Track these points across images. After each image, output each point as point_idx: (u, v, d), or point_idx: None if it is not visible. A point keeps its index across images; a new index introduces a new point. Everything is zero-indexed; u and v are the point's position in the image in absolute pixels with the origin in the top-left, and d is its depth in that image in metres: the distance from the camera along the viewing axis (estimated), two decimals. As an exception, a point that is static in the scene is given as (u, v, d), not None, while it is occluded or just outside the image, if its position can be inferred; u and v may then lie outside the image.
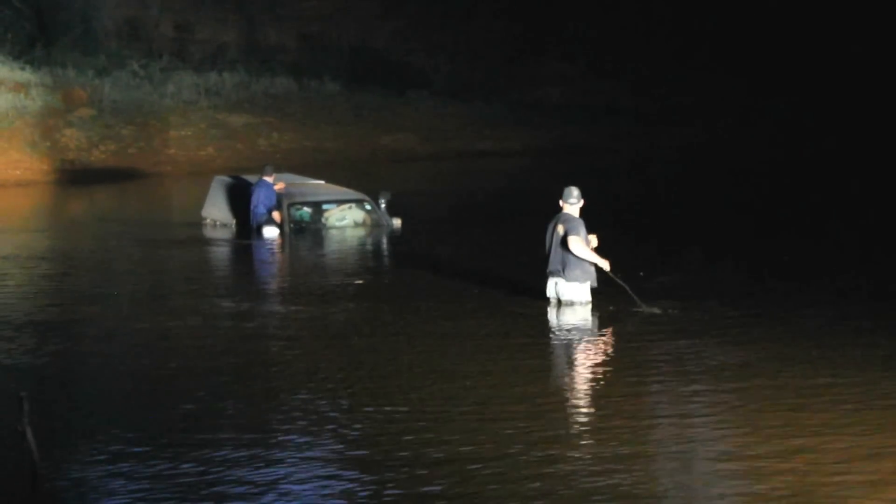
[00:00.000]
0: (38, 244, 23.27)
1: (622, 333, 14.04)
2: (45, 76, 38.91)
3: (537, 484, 8.92)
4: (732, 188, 29.81)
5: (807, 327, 14.00)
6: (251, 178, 23.74)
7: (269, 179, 22.62)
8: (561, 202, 14.98)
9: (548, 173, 33.04)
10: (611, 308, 14.84)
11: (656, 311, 14.71)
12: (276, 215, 22.27)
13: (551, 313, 14.83)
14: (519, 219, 23.74)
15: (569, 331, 14.30)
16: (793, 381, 11.62)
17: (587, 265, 14.78)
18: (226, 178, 24.93)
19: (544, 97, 47.73)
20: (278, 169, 23.58)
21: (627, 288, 14.84)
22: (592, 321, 14.54)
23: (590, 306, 14.85)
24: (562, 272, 14.87)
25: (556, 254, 14.83)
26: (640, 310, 14.69)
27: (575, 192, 14.99)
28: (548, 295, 15.06)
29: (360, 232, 22.74)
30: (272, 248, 21.58)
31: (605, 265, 14.82)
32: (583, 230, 14.71)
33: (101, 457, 9.72)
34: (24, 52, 39.81)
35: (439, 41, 48.86)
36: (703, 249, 20.05)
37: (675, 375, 11.95)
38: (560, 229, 14.77)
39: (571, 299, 14.89)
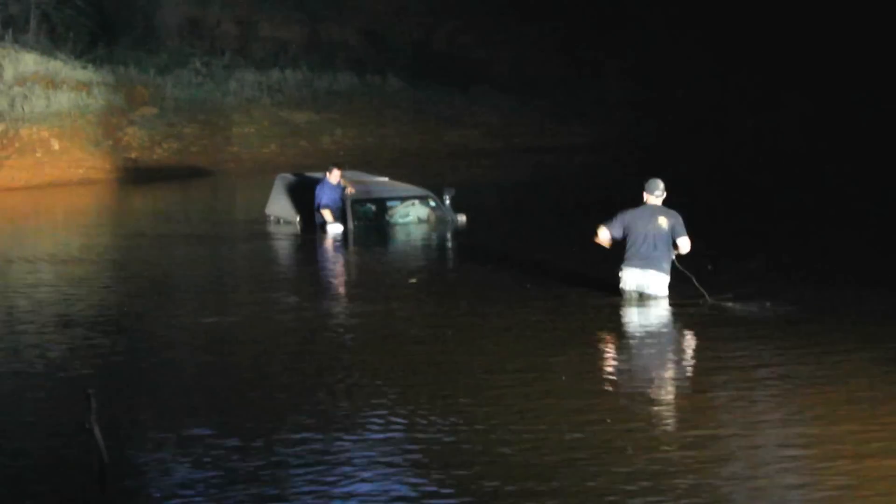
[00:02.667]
0: (102, 242, 23.31)
1: (702, 326, 13.76)
2: (108, 75, 38.95)
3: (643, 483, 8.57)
4: (797, 180, 29.37)
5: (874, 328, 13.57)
6: (317, 175, 23.61)
7: (332, 179, 22.42)
8: (646, 194, 14.76)
9: (612, 168, 32.82)
10: (683, 300, 14.61)
11: (729, 304, 14.54)
12: (326, 213, 22.07)
13: (631, 306, 14.60)
14: (584, 213, 23.52)
15: (652, 324, 14.10)
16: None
17: (671, 259, 14.68)
18: (289, 176, 24.82)
19: (608, 91, 47.37)
20: (341, 166, 23.35)
21: (694, 279, 14.63)
22: (673, 313, 14.37)
23: (668, 299, 14.67)
24: (651, 264, 14.64)
25: (649, 245, 14.61)
26: (707, 301, 14.51)
27: (661, 184, 14.83)
28: (625, 287, 14.78)
29: (425, 228, 22.55)
30: (336, 246, 21.41)
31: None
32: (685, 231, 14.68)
33: (168, 451, 9.65)
34: (87, 51, 39.89)
35: (502, 36, 48.61)
36: (773, 243, 19.76)
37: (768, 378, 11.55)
38: (663, 223, 14.59)
39: (656, 292, 14.70)
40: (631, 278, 14.74)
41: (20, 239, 24.22)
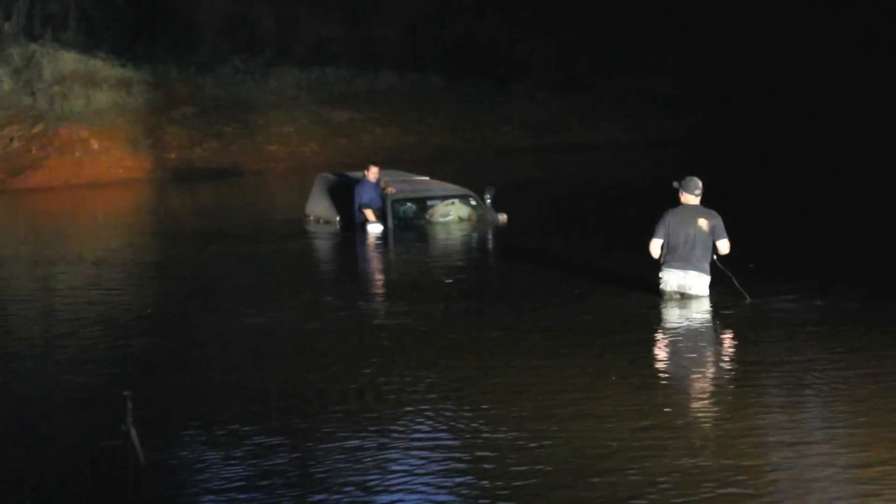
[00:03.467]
0: (141, 242, 23.36)
1: (746, 326, 13.54)
2: (147, 73, 38.97)
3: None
4: (845, 178, 29.09)
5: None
6: (357, 174, 23.51)
7: (370, 176, 22.31)
8: (684, 193, 14.54)
9: (653, 165, 32.61)
10: (724, 299, 14.45)
11: (774, 303, 14.43)
12: (367, 212, 21.95)
13: (672, 307, 14.40)
14: (626, 212, 23.42)
15: (696, 324, 13.91)
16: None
17: (711, 259, 14.52)
18: (329, 175, 24.74)
19: (651, 88, 47.12)
20: (378, 164, 23.24)
21: (734, 280, 14.47)
22: (715, 313, 14.17)
23: (709, 299, 14.50)
24: (692, 265, 14.47)
25: (691, 246, 14.45)
26: (748, 301, 14.35)
27: (699, 183, 14.63)
28: (665, 288, 14.63)
29: (465, 227, 22.40)
30: (376, 245, 21.30)
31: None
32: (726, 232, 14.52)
33: (205, 451, 9.61)
34: (126, 50, 39.91)
35: (543, 32, 48.39)
36: (813, 240, 19.65)
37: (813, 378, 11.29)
38: (703, 224, 14.42)
39: (697, 293, 14.53)
40: (672, 279, 14.56)
41: (60, 239, 24.23)
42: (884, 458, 8.96)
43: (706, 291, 14.53)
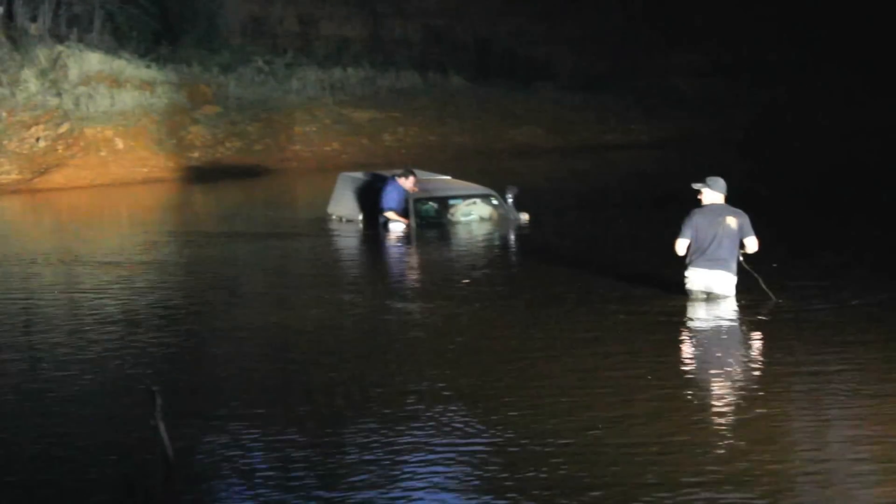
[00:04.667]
0: (166, 240, 23.43)
1: (774, 327, 13.62)
2: (171, 74, 39.12)
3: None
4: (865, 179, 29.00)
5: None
6: (380, 173, 23.62)
7: (403, 183, 22.30)
8: (708, 190, 14.56)
9: (675, 164, 32.61)
10: (751, 299, 14.52)
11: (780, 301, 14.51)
12: (391, 215, 22.03)
13: (699, 307, 14.46)
14: (648, 211, 23.45)
15: (724, 324, 13.99)
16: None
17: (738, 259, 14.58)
18: (352, 174, 24.82)
19: (672, 88, 47.08)
20: (404, 164, 23.34)
21: (760, 280, 14.53)
22: (744, 313, 14.23)
23: (735, 298, 14.55)
24: (719, 265, 14.49)
25: (717, 246, 14.46)
26: (773, 301, 14.41)
27: (722, 181, 14.69)
28: (692, 287, 14.63)
29: (487, 227, 22.46)
30: (398, 244, 21.40)
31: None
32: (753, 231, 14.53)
33: (232, 446, 9.72)
34: (150, 50, 40.09)
35: (564, 33, 48.41)
36: (836, 241, 19.59)
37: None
38: (732, 222, 14.45)
39: (724, 292, 14.56)
40: (699, 279, 14.57)
41: (86, 238, 24.37)
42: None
43: (732, 291, 14.55)
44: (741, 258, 14.56)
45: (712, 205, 14.61)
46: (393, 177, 22.66)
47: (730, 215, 14.50)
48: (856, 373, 11.50)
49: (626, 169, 35.43)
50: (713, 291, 14.54)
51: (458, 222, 22.61)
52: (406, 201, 22.30)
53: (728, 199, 14.72)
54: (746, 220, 14.50)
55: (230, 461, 9.43)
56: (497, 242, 21.88)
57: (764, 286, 14.50)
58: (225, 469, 9.28)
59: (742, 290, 14.60)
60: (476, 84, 45.25)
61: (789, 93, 45.63)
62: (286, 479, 8.99)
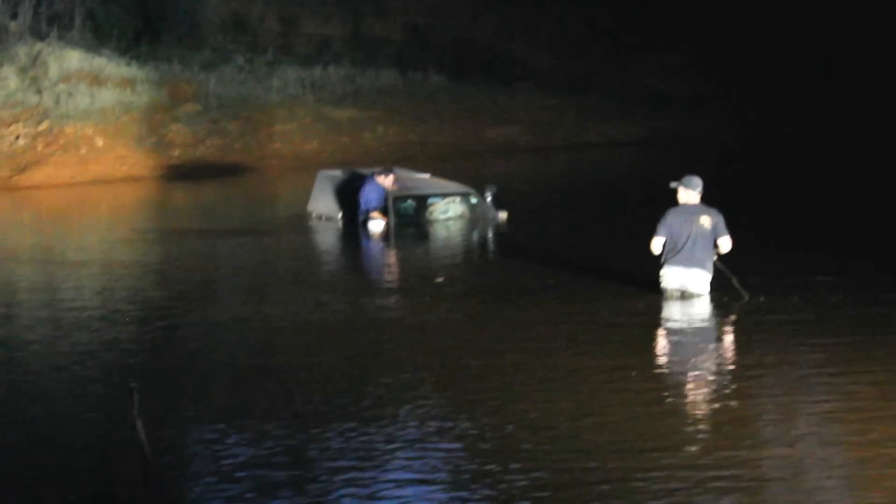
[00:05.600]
0: (146, 238, 23.39)
1: (749, 324, 13.84)
2: (151, 72, 39.08)
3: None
4: (833, 178, 29.19)
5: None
6: (360, 171, 23.73)
7: (381, 181, 22.44)
8: (684, 189, 14.70)
9: (653, 164, 32.74)
10: (724, 298, 14.64)
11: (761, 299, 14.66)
12: (375, 215, 22.15)
13: (674, 305, 14.59)
14: (626, 210, 23.58)
15: (698, 322, 14.15)
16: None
17: (714, 257, 14.68)
18: (331, 172, 24.90)
19: (649, 88, 47.24)
20: (383, 163, 23.47)
21: (734, 280, 14.68)
22: (719, 311, 14.40)
23: (709, 297, 14.68)
24: (694, 263, 14.65)
25: (691, 245, 14.60)
26: (745, 299, 14.56)
27: (698, 180, 14.84)
28: (667, 286, 14.79)
29: (466, 225, 22.55)
30: (377, 242, 21.48)
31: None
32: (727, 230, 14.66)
33: (211, 446, 9.76)
34: (130, 48, 40.04)
35: (543, 32, 48.53)
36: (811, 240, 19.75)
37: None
38: (705, 221, 14.60)
39: (699, 290, 14.71)
40: (674, 277, 14.72)
41: (65, 236, 24.42)
42: (884, 460, 9.14)
43: (707, 290, 14.68)
44: (716, 258, 14.69)
45: (687, 204, 14.74)
46: (372, 175, 22.77)
47: (704, 214, 14.61)
48: (826, 370, 11.68)
49: (604, 168, 35.54)
50: (688, 290, 14.68)
51: (436, 220, 22.73)
52: (385, 199, 22.39)
53: (704, 198, 14.83)
54: (721, 219, 14.61)
55: (208, 458, 9.48)
56: (475, 241, 21.97)
57: (737, 285, 14.62)
58: (203, 466, 9.34)
59: (718, 289, 14.70)
60: (456, 83, 45.33)
61: (768, 92, 45.82)
62: (264, 476, 9.06)
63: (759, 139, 40.78)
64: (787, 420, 10.21)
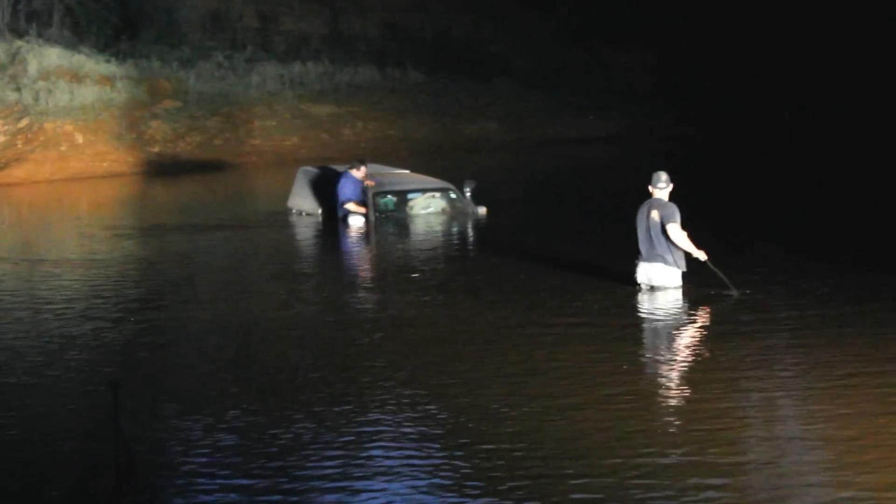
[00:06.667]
0: (126, 235, 23.33)
1: (718, 318, 13.84)
2: (131, 68, 39.12)
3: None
4: (814, 173, 29.34)
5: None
6: (338, 168, 23.82)
7: (356, 174, 22.59)
8: (650, 187, 14.84)
9: (631, 160, 32.83)
10: (702, 292, 14.64)
11: (747, 292, 14.64)
12: (351, 206, 22.26)
13: (643, 298, 14.67)
14: (603, 205, 23.67)
15: (662, 316, 14.08)
16: None
17: (680, 250, 14.66)
18: (311, 169, 24.98)
19: (626, 84, 47.40)
20: (362, 159, 23.55)
21: (720, 273, 14.65)
22: (684, 305, 14.35)
23: (681, 291, 14.72)
24: (654, 257, 14.75)
25: (648, 240, 14.72)
26: (732, 294, 14.53)
27: (664, 176, 14.87)
28: (638, 280, 14.91)
29: (446, 220, 22.64)
30: (356, 238, 21.53)
31: (701, 255, 14.70)
32: (678, 216, 14.60)
33: (193, 443, 9.72)
34: (110, 45, 40.10)
35: (521, 29, 48.67)
36: (788, 237, 19.81)
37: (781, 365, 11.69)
38: (655, 215, 14.67)
39: (664, 284, 14.78)
40: (641, 272, 14.91)
41: (43, 233, 24.44)
42: (865, 451, 9.16)
43: (675, 283, 14.73)
44: (705, 259, 14.67)
45: (647, 200, 14.87)
46: (347, 171, 22.85)
47: (655, 209, 14.71)
48: (809, 359, 11.76)
49: (582, 163, 35.62)
50: (654, 284, 14.79)
51: (416, 216, 22.83)
52: (364, 192, 22.49)
53: (672, 192, 14.90)
54: (669, 209, 14.60)
55: (190, 454, 9.50)
56: (455, 236, 22.05)
57: (723, 278, 14.60)
58: (185, 462, 9.35)
59: (690, 281, 14.80)
60: (434, 79, 45.45)
61: (746, 85, 46.02)
62: (244, 468, 9.12)
63: (734, 134, 40.91)
64: (770, 416, 10.32)
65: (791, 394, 10.67)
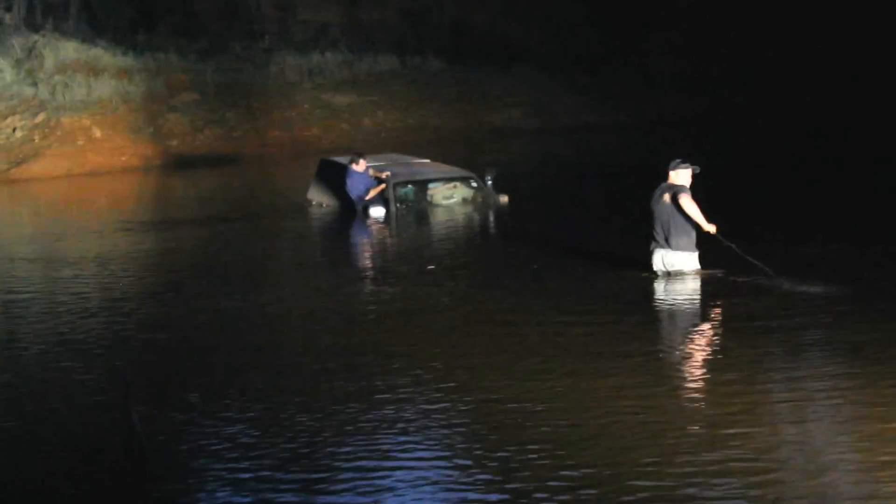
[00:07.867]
0: (143, 228, 23.35)
1: (737, 302, 13.59)
2: (148, 62, 39.02)
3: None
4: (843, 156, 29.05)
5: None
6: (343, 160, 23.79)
7: (356, 168, 22.43)
8: (671, 172, 14.69)
9: (655, 146, 32.63)
10: (720, 276, 14.52)
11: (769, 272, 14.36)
12: (372, 192, 22.14)
13: (660, 285, 14.52)
14: (627, 192, 23.45)
15: (679, 302, 14.01)
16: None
17: (692, 233, 14.49)
18: (331, 159, 24.85)
19: (650, 68, 47.09)
20: (383, 149, 23.43)
21: (735, 248, 14.45)
22: (704, 290, 14.23)
23: (699, 275, 14.58)
24: (667, 243, 14.60)
25: (662, 224, 14.60)
26: (765, 271, 14.28)
27: (678, 161, 14.77)
28: (654, 266, 14.77)
29: (467, 209, 22.50)
30: (378, 228, 21.42)
31: (711, 228, 14.44)
32: (688, 190, 14.44)
33: (208, 436, 9.65)
34: (126, 38, 40.00)
35: (542, 14, 48.37)
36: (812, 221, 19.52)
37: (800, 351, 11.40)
38: (666, 198, 14.52)
39: (681, 268, 14.63)
40: (656, 258, 14.83)
41: (62, 227, 24.41)
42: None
43: (691, 267, 14.62)
44: (734, 246, 14.45)
45: (661, 185, 14.75)
46: (348, 167, 22.69)
47: (667, 192, 14.57)
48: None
49: (605, 150, 35.42)
50: (671, 269, 14.67)
51: (437, 205, 22.68)
52: (378, 184, 22.34)
53: (694, 179, 14.72)
54: (677, 186, 14.46)
55: (205, 448, 9.40)
56: (477, 225, 21.92)
57: (741, 252, 14.39)
58: (200, 455, 9.26)
59: (736, 268, 14.51)
60: (454, 66, 45.23)
61: (768, 71, 45.73)
62: (263, 460, 9.00)
63: (762, 120, 40.63)
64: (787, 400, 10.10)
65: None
